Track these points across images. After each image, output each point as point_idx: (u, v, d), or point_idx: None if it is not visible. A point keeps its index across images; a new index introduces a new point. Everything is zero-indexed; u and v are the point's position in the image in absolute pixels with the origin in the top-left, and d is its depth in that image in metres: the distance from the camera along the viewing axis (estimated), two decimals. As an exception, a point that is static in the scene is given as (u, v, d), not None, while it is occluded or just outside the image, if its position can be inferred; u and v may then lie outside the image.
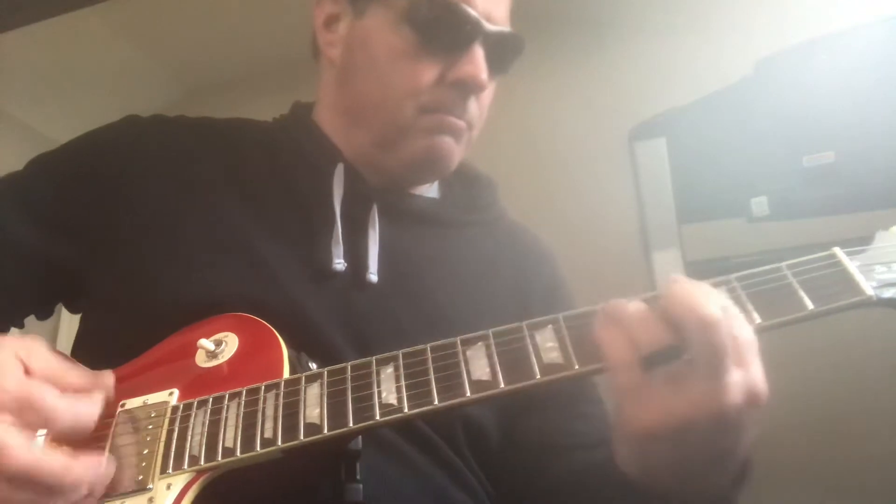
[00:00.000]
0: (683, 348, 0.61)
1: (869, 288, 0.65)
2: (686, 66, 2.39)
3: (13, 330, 0.95)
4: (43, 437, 0.64)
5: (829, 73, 2.14)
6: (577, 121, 2.49)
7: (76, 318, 0.96)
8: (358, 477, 0.71)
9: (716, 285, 0.67)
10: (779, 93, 2.22)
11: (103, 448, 0.70)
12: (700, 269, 2.15)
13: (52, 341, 2.41)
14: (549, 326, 0.68)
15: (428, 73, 0.89)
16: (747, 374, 0.60)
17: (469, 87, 0.91)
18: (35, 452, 0.60)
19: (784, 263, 0.68)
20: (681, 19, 2.43)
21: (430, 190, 1.05)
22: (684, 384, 0.60)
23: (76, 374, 0.70)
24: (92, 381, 0.71)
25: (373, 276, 0.88)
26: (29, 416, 0.63)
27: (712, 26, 2.39)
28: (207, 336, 0.76)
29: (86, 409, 0.67)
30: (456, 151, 0.95)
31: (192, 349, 0.76)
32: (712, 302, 0.61)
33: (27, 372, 0.67)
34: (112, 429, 0.71)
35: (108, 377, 0.71)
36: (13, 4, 2.12)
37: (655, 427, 0.61)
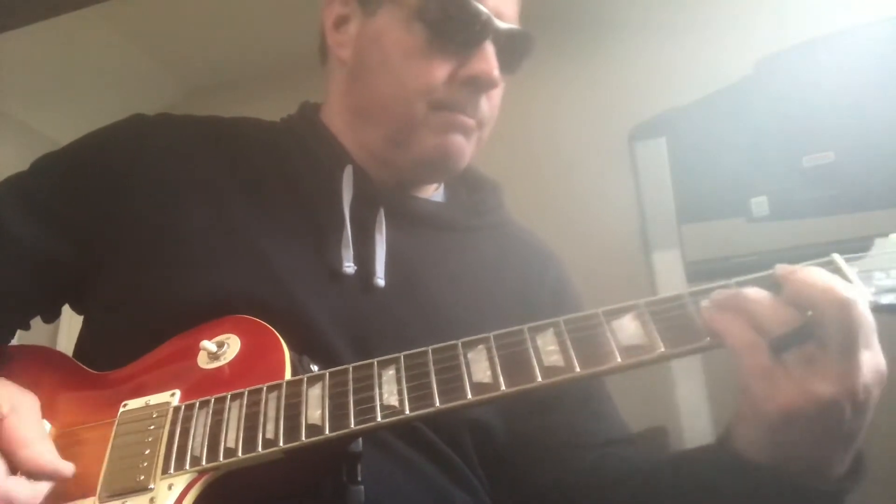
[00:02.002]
0: (814, 330, 0.62)
1: (868, 294, 0.65)
2: (686, 66, 2.39)
3: (18, 332, 0.95)
4: None
5: (829, 73, 2.14)
6: (577, 121, 2.49)
7: (77, 318, 0.96)
8: (359, 478, 0.71)
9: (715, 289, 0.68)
10: (779, 93, 2.22)
11: (105, 449, 0.70)
12: (700, 269, 2.16)
13: (52, 342, 2.41)
14: (550, 329, 0.68)
15: (440, 70, 0.89)
16: (874, 353, 0.62)
17: (481, 85, 0.91)
18: None
19: (783, 266, 0.68)
20: (681, 19, 2.43)
21: (436, 194, 1.05)
22: (819, 365, 0.61)
23: (37, 452, 0.68)
24: (52, 466, 0.68)
25: (380, 281, 0.88)
26: None
27: (712, 26, 2.39)
28: (210, 338, 0.76)
29: (21, 496, 0.65)
30: (467, 149, 0.95)
31: (195, 351, 0.76)
32: (846, 285, 0.63)
33: None
34: (114, 429, 0.71)
35: (68, 467, 0.69)
36: (13, 4, 2.12)
37: (794, 407, 0.62)
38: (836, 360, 0.61)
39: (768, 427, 0.65)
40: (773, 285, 0.66)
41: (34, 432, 0.70)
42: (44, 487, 0.67)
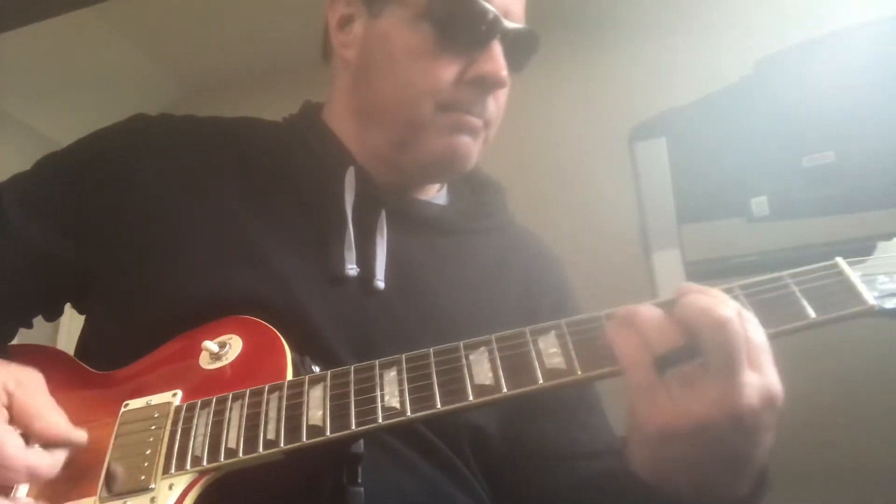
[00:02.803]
0: (696, 350, 0.62)
1: (871, 298, 0.65)
2: (686, 66, 2.39)
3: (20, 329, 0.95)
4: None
5: (829, 73, 2.14)
6: (577, 121, 2.50)
7: (77, 318, 0.96)
8: (359, 480, 0.71)
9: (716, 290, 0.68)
10: (779, 93, 2.22)
11: (105, 448, 0.70)
12: (700, 269, 2.16)
13: (53, 341, 2.41)
14: (552, 332, 0.68)
15: (447, 70, 0.89)
16: (762, 376, 0.61)
17: (489, 85, 0.90)
18: None
19: (786, 273, 0.69)
20: (681, 19, 2.43)
21: (439, 195, 1.05)
22: (699, 385, 0.61)
23: (51, 422, 0.70)
24: (66, 434, 0.70)
25: (380, 283, 0.87)
26: None
27: (712, 26, 2.39)
28: (211, 338, 0.76)
29: (44, 464, 0.67)
30: (474, 150, 0.94)
31: (196, 351, 0.76)
32: (726, 305, 0.62)
33: (9, 405, 0.68)
34: (115, 429, 0.71)
35: (81, 435, 0.71)
36: (13, 4, 2.12)
37: (671, 427, 0.62)
38: (715, 380, 0.60)
39: (648, 445, 0.65)
40: (673, 303, 0.66)
41: (44, 404, 0.71)
42: (61, 456, 0.69)
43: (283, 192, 0.93)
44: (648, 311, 0.65)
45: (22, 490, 0.67)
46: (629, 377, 0.64)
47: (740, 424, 0.61)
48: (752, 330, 0.62)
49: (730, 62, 2.30)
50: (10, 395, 0.69)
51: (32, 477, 0.66)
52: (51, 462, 0.68)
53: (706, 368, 0.61)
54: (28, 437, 0.68)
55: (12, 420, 0.69)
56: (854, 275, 0.67)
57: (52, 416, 0.70)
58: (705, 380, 0.61)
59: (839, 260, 0.69)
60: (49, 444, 0.68)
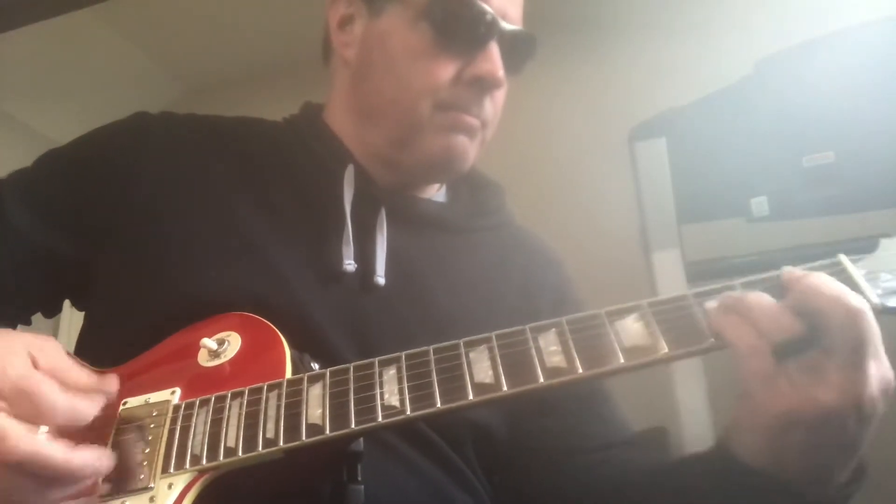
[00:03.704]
0: (819, 338, 0.62)
1: (874, 296, 0.65)
2: (686, 66, 2.39)
3: (20, 327, 0.95)
4: (45, 430, 0.64)
5: (829, 73, 2.14)
6: (577, 121, 2.50)
7: (76, 317, 0.96)
8: (359, 478, 0.71)
9: (719, 290, 0.68)
10: (779, 93, 2.22)
11: (105, 446, 0.70)
12: (700, 269, 2.16)
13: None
14: (553, 330, 0.68)
15: (445, 70, 0.89)
16: (881, 364, 0.62)
17: (487, 85, 0.91)
18: (36, 441, 0.61)
19: (789, 269, 0.68)
20: (681, 19, 2.43)
21: (438, 194, 1.05)
22: (822, 373, 0.61)
23: (81, 373, 0.71)
24: (96, 382, 0.71)
25: (380, 280, 0.88)
26: (25, 405, 0.63)
27: (712, 26, 2.40)
28: (210, 335, 0.76)
29: (83, 408, 0.67)
30: (471, 150, 0.95)
31: (195, 348, 0.76)
32: (854, 294, 0.62)
33: (35, 366, 0.68)
34: (114, 427, 0.71)
35: (112, 380, 0.72)
36: (13, 4, 2.12)
37: (794, 413, 0.62)
38: (843, 369, 0.61)
39: (768, 432, 0.65)
40: (779, 288, 0.66)
41: (68, 362, 0.72)
42: (96, 404, 0.69)
43: (282, 190, 0.93)
44: (759, 298, 0.65)
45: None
46: (746, 365, 0.64)
47: (862, 413, 0.61)
48: (874, 320, 0.62)
49: (730, 62, 2.30)
50: (34, 358, 0.69)
51: (73, 417, 0.66)
52: (87, 405, 0.68)
53: (830, 356, 0.61)
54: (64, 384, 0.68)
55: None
56: (857, 272, 0.67)
57: (79, 370, 0.71)
58: (829, 367, 0.61)
59: (842, 257, 0.68)
60: (85, 389, 0.69)
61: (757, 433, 0.66)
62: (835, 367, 0.61)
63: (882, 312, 0.64)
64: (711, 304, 0.66)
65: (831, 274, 0.66)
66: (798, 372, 0.62)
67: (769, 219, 2.16)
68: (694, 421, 2.11)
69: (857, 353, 0.60)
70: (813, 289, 0.63)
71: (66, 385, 0.68)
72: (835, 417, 0.61)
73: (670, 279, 2.20)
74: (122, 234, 0.88)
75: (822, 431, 0.62)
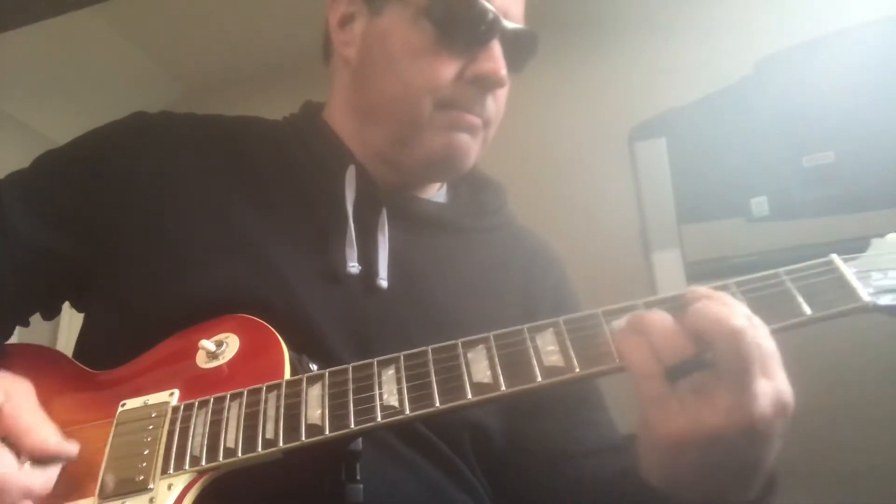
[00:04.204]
0: (708, 359, 0.61)
1: (866, 294, 0.65)
2: (686, 66, 2.39)
3: (18, 329, 0.95)
4: None
5: (829, 73, 2.15)
6: (577, 121, 2.50)
7: (76, 318, 0.96)
8: (358, 477, 0.71)
9: (715, 290, 0.68)
10: (779, 93, 2.22)
11: (103, 449, 0.70)
12: (700, 269, 2.16)
13: (52, 342, 2.41)
14: (550, 330, 0.68)
15: (447, 69, 0.89)
16: (774, 384, 0.61)
17: (488, 84, 0.90)
18: None
19: (782, 269, 0.69)
20: (681, 19, 2.43)
21: (439, 194, 1.05)
22: (712, 394, 0.61)
23: (42, 437, 0.68)
24: (56, 448, 0.68)
25: (383, 282, 0.87)
26: None
27: (712, 26, 2.39)
28: (208, 337, 0.76)
29: (37, 486, 0.65)
30: (472, 149, 0.94)
31: (193, 350, 0.76)
32: (738, 313, 0.62)
33: None
34: (112, 429, 0.71)
35: (72, 448, 0.69)
36: (13, 4, 2.12)
37: (683, 436, 0.61)
38: (728, 390, 0.60)
39: (660, 454, 0.65)
40: (683, 308, 0.65)
41: (34, 418, 0.69)
42: (54, 472, 0.67)
43: (283, 190, 0.93)
44: (658, 319, 0.64)
45: None
46: (640, 387, 0.63)
47: (753, 433, 0.60)
48: (763, 337, 0.61)
49: (730, 62, 2.30)
50: None
51: (27, 497, 0.64)
52: (44, 480, 0.66)
53: (718, 377, 0.61)
54: (19, 452, 0.66)
55: (1, 434, 0.67)
56: (849, 272, 0.67)
57: (43, 430, 0.69)
58: (717, 389, 0.61)
59: (834, 257, 0.69)
60: (41, 460, 0.67)
61: (652, 454, 0.66)
62: (722, 389, 0.60)
63: (873, 311, 0.64)
64: (698, 304, 0.65)
65: (823, 273, 0.67)
66: (688, 394, 0.61)
67: (769, 219, 2.16)
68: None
69: (742, 375, 0.60)
70: (700, 311, 0.63)
71: (23, 451, 0.66)
72: (723, 439, 0.60)
73: (670, 279, 2.20)
74: (121, 234, 0.88)
75: (713, 453, 0.61)
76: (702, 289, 0.66)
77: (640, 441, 0.68)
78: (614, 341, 0.66)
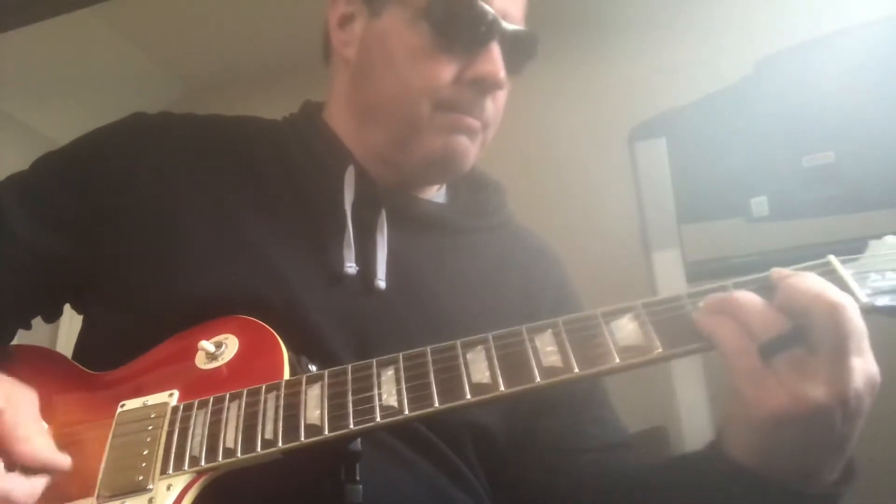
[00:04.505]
0: (803, 334, 0.62)
1: (863, 296, 0.65)
2: (686, 66, 2.39)
3: (20, 332, 0.95)
4: None
5: (829, 73, 2.15)
6: (577, 121, 2.50)
7: (76, 320, 0.96)
8: (357, 478, 0.71)
9: (712, 291, 0.68)
10: (779, 93, 2.22)
11: (103, 449, 0.70)
12: (700, 269, 2.16)
13: (52, 342, 2.41)
14: (549, 330, 0.68)
15: (445, 71, 0.89)
16: (865, 361, 0.62)
17: (487, 86, 0.90)
18: None
19: (778, 270, 0.69)
20: (681, 19, 2.43)
21: (438, 194, 1.05)
22: (808, 369, 0.61)
23: (35, 447, 0.68)
24: (50, 459, 0.68)
25: (381, 283, 0.87)
26: None
27: (712, 26, 2.39)
28: (208, 338, 0.76)
29: (20, 494, 0.65)
30: (471, 151, 0.94)
31: (192, 351, 0.76)
32: (835, 289, 0.63)
33: None
34: (111, 429, 0.71)
35: (65, 461, 0.69)
36: (13, 4, 2.12)
37: (784, 411, 0.62)
38: (827, 364, 0.61)
39: (758, 431, 0.65)
40: (768, 288, 0.66)
41: (31, 427, 0.69)
42: (41, 483, 0.67)
43: (282, 190, 0.93)
44: (746, 297, 0.65)
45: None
46: (734, 364, 0.64)
47: (848, 409, 0.61)
48: (856, 315, 0.62)
49: (730, 62, 2.30)
50: None
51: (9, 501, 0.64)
52: (28, 489, 0.65)
53: (815, 352, 0.61)
54: (10, 459, 0.66)
55: None
56: (846, 273, 0.67)
57: (37, 440, 0.68)
58: (815, 363, 0.61)
59: (832, 258, 0.69)
60: (30, 469, 0.66)
61: (748, 432, 0.66)
62: (820, 363, 0.61)
63: (871, 312, 0.65)
64: (792, 279, 0.65)
65: (821, 275, 0.67)
66: (785, 369, 0.62)
67: (769, 219, 2.16)
68: (694, 421, 2.11)
69: (840, 348, 0.61)
70: (795, 287, 0.64)
71: (15, 460, 0.66)
72: (822, 413, 0.61)
73: (670, 279, 2.21)
74: (120, 235, 0.88)
75: (811, 428, 0.62)
76: (785, 270, 0.67)
77: (731, 421, 0.68)
78: (697, 323, 0.66)
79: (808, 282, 0.64)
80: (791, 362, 0.62)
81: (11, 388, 0.72)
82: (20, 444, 0.67)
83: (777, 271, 0.67)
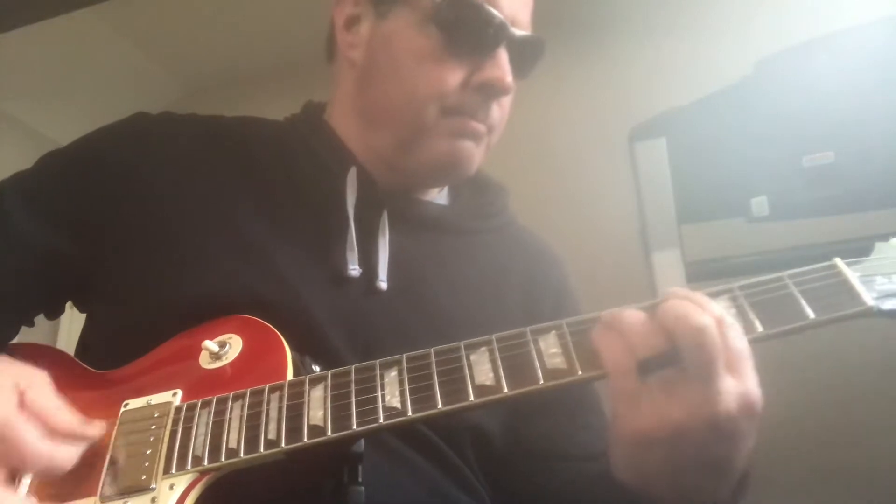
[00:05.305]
0: (677, 355, 0.62)
1: (870, 299, 0.65)
2: (686, 66, 2.39)
3: (23, 329, 0.95)
4: (27, 483, 0.65)
5: (829, 73, 2.15)
6: (577, 121, 2.50)
7: (77, 318, 0.96)
8: (360, 479, 0.71)
9: (718, 294, 0.68)
10: (779, 93, 2.22)
11: (106, 448, 0.70)
12: (700, 269, 2.16)
13: (52, 342, 2.41)
14: (553, 332, 0.68)
15: (453, 75, 0.89)
16: (741, 382, 0.62)
17: (494, 91, 0.90)
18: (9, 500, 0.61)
19: (786, 273, 0.69)
20: (681, 19, 2.44)
21: (440, 196, 1.05)
22: (678, 390, 0.61)
23: (66, 417, 0.69)
24: (80, 429, 0.70)
25: (382, 284, 0.87)
26: (4, 451, 0.64)
27: (712, 26, 2.40)
28: (211, 337, 0.76)
29: (62, 458, 0.67)
30: (476, 155, 0.94)
31: (196, 350, 0.76)
32: (706, 310, 0.63)
33: (21, 404, 0.67)
34: (115, 429, 0.71)
35: (96, 428, 0.71)
36: (13, 4, 2.12)
37: (649, 431, 0.62)
38: (693, 386, 0.61)
39: (630, 450, 0.65)
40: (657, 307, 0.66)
41: (56, 402, 0.71)
42: (77, 451, 0.68)
43: (284, 191, 0.93)
44: (633, 316, 0.65)
45: (23, 485, 0.67)
46: (613, 382, 0.64)
47: (718, 430, 0.61)
48: (731, 337, 0.62)
49: (730, 62, 2.30)
50: (21, 394, 0.68)
51: (51, 467, 0.66)
52: (68, 454, 0.67)
53: (684, 374, 0.62)
54: (43, 430, 0.67)
55: (28, 415, 0.68)
56: (853, 275, 0.67)
57: (65, 412, 0.70)
58: (684, 384, 0.61)
59: (838, 261, 0.69)
60: (66, 438, 0.68)
61: (621, 450, 0.67)
62: (687, 385, 0.61)
63: (877, 315, 0.65)
64: (667, 302, 0.65)
65: (827, 277, 0.67)
66: (656, 389, 0.62)
67: (769, 219, 2.16)
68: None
69: (706, 370, 0.61)
70: (666, 309, 0.64)
71: (50, 429, 0.67)
72: (688, 435, 0.61)
73: (670, 279, 2.21)
74: (123, 235, 0.88)
75: (680, 448, 0.62)
76: (680, 290, 0.67)
77: (610, 438, 0.69)
78: (592, 339, 0.66)
79: (681, 303, 0.64)
80: (662, 382, 0.62)
81: (28, 371, 0.72)
82: (50, 417, 0.68)
83: (671, 291, 0.67)
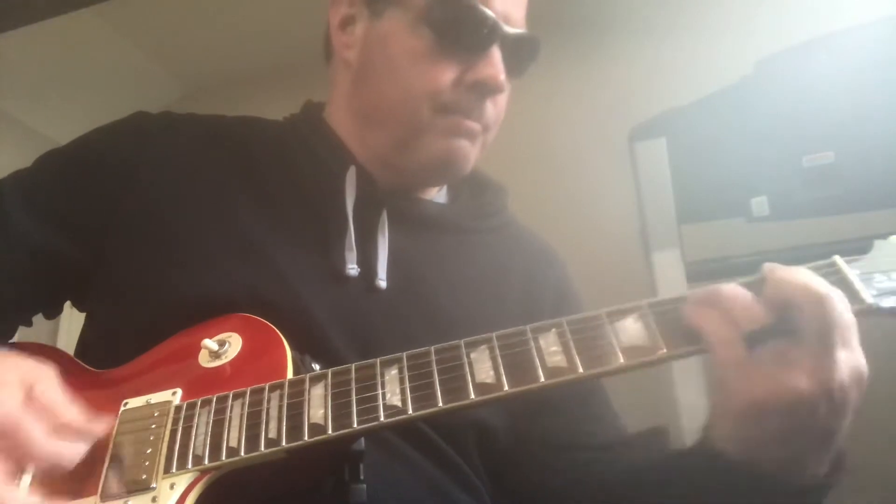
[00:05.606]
0: (788, 326, 0.63)
1: (869, 296, 0.66)
2: (686, 66, 2.39)
3: (21, 329, 0.95)
4: (28, 480, 0.65)
5: (829, 73, 2.14)
6: (577, 121, 2.50)
7: (77, 318, 0.96)
8: (361, 477, 0.72)
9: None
10: (779, 93, 2.22)
11: (106, 447, 0.70)
12: (700, 269, 2.16)
13: (52, 341, 2.41)
14: (553, 330, 0.68)
15: (446, 74, 0.89)
16: (851, 353, 0.63)
17: (488, 89, 0.91)
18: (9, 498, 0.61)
19: (770, 265, 0.69)
20: (681, 19, 2.44)
21: (439, 195, 1.05)
22: (793, 360, 0.62)
23: (72, 412, 0.69)
24: (86, 425, 0.69)
25: (382, 283, 0.88)
26: (10, 445, 0.63)
27: (712, 26, 2.40)
28: (211, 336, 0.76)
29: (67, 452, 0.66)
30: (471, 154, 0.95)
31: (196, 349, 0.76)
32: (822, 281, 0.64)
33: (28, 399, 0.67)
34: (114, 428, 0.71)
35: (101, 424, 0.70)
36: (13, 4, 2.12)
37: (766, 401, 0.62)
38: (811, 355, 0.62)
39: (741, 422, 0.65)
40: (759, 283, 0.67)
41: (62, 398, 0.70)
42: (82, 448, 0.68)
43: (284, 190, 0.93)
44: (731, 289, 0.66)
45: (24, 483, 0.67)
46: (719, 354, 0.64)
47: (833, 401, 0.62)
48: (845, 308, 0.63)
49: (730, 62, 2.30)
50: (29, 389, 0.68)
51: (56, 463, 0.66)
52: (73, 450, 0.67)
53: (800, 344, 0.62)
54: (50, 426, 0.67)
55: (37, 410, 0.67)
56: (852, 273, 0.67)
57: (72, 408, 0.70)
58: (799, 354, 0.62)
59: (837, 258, 0.69)
60: (72, 436, 0.68)
61: (732, 422, 0.67)
62: (804, 354, 0.62)
63: (877, 313, 0.65)
64: (781, 272, 0.66)
65: (826, 275, 0.67)
66: (770, 360, 0.63)
67: (769, 219, 2.16)
68: (694, 421, 2.10)
69: (825, 339, 0.61)
70: (783, 279, 0.65)
71: (57, 425, 0.67)
72: (805, 403, 0.62)
73: (670, 279, 2.20)
74: (122, 234, 0.88)
75: (794, 419, 0.63)
76: (778, 265, 0.67)
77: (715, 410, 0.69)
78: (685, 317, 0.67)
79: (797, 274, 0.65)
80: (775, 353, 0.63)
81: (35, 366, 0.72)
82: (57, 413, 0.68)
83: (769, 265, 0.67)
